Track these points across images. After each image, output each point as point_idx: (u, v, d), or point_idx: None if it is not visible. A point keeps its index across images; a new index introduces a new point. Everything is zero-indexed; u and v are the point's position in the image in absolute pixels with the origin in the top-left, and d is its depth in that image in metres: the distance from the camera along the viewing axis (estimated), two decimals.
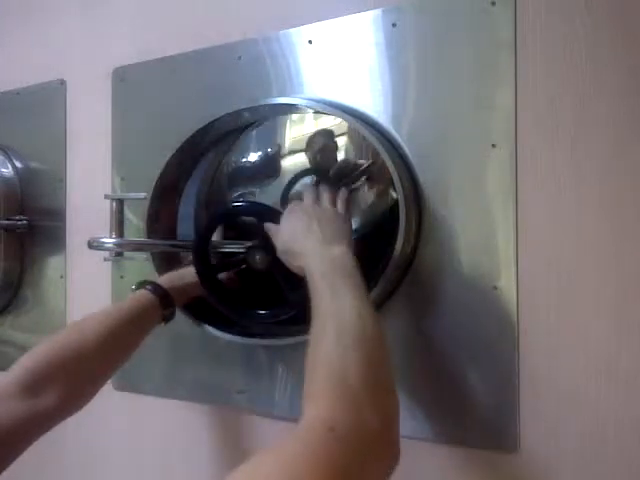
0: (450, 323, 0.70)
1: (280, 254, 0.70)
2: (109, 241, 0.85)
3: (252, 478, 0.42)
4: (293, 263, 0.68)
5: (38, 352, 0.67)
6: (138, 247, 0.92)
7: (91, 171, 1.02)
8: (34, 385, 0.63)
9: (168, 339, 0.89)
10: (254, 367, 0.84)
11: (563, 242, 0.65)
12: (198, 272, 0.79)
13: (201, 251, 0.79)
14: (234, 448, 0.88)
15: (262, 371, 0.84)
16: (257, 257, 0.76)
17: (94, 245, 0.83)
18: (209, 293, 0.80)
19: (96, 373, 0.71)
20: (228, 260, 0.85)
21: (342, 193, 0.74)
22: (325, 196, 0.73)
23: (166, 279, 0.81)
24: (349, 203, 0.75)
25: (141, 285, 0.79)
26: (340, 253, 0.63)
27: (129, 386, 0.96)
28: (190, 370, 0.90)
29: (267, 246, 0.73)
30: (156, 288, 0.78)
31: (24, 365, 0.65)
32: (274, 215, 0.73)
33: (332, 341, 0.53)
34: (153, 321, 0.77)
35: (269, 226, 0.74)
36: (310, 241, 0.66)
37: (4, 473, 0.60)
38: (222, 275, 0.83)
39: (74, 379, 0.67)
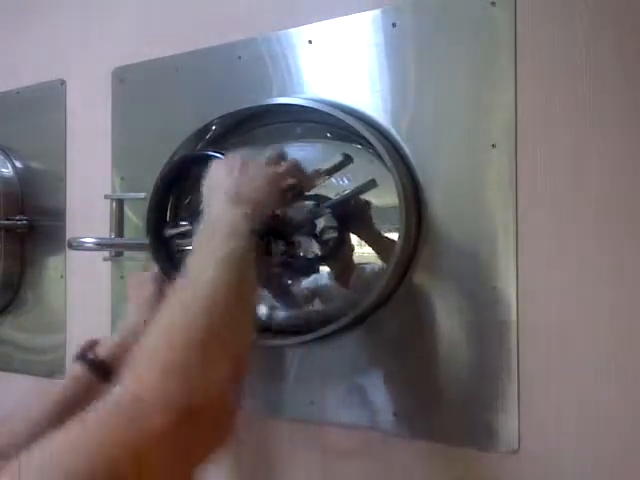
0: (450, 323, 0.70)
1: None
2: (89, 241, 0.84)
3: (57, 444, 0.41)
4: None
5: None
6: (118, 246, 0.91)
7: (91, 171, 1.02)
8: None
9: None
10: (254, 367, 0.84)
11: (563, 242, 0.65)
12: (149, 221, 0.73)
13: (159, 202, 0.73)
14: (234, 449, 0.88)
15: (262, 371, 0.84)
16: None
17: (74, 245, 0.83)
18: (154, 249, 0.74)
19: None
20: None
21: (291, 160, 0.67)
22: (269, 153, 0.66)
23: (117, 336, 0.73)
24: (293, 169, 0.67)
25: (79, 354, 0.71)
26: (235, 217, 0.57)
27: None
28: None
29: None
30: (92, 361, 0.70)
31: None
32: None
33: (168, 312, 0.50)
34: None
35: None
36: (215, 198, 0.61)
37: None
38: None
39: None
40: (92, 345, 0.73)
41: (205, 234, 0.58)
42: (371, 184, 0.73)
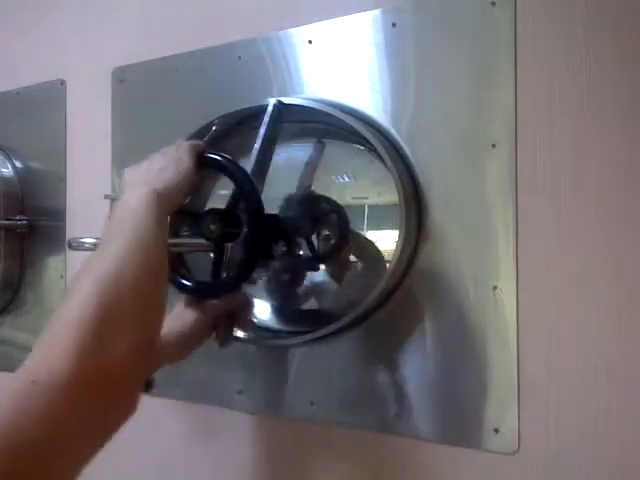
0: (450, 323, 0.70)
1: None
2: (89, 241, 0.84)
3: None
4: None
5: None
6: None
7: (91, 171, 1.02)
8: None
9: None
10: (254, 367, 0.84)
11: (563, 242, 0.65)
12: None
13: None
14: (235, 449, 0.88)
15: (263, 371, 0.84)
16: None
17: (74, 245, 0.82)
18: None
19: None
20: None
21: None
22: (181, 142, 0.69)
23: None
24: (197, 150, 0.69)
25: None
26: (137, 195, 0.59)
27: None
28: (189, 370, 0.90)
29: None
30: None
31: None
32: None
33: (75, 292, 0.49)
34: None
35: None
36: (131, 188, 0.62)
37: None
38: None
39: None
40: None
41: (118, 214, 0.58)
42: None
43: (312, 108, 0.77)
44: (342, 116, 0.74)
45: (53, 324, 0.48)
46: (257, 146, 0.75)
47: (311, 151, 0.80)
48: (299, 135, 0.83)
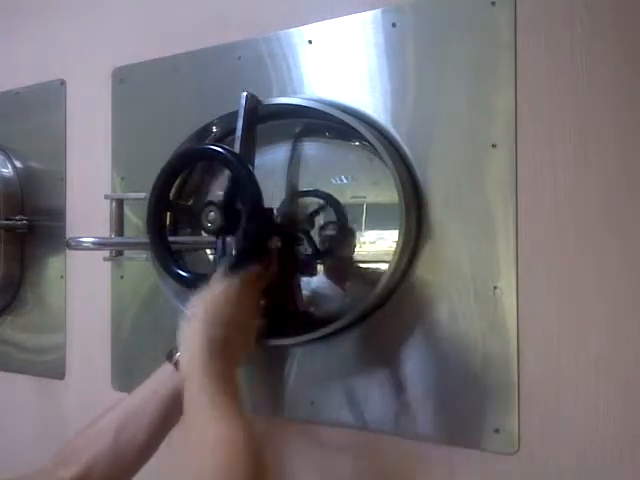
0: (450, 323, 0.70)
1: None
2: (88, 241, 0.84)
3: None
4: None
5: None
6: (116, 245, 0.91)
7: (91, 171, 1.02)
8: (60, 461, 0.70)
9: (167, 338, 0.89)
10: (254, 367, 0.84)
11: (563, 242, 0.65)
12: (149, 215, 0.74)
13: (159, 197, 0.74)
14: None
15: (263, 371, 0.84)
16: (211, 214, 0.71)
17: (73, 245, 0.83)
18: (153, 245, 0.74)
19: (110, 454, 0.71)
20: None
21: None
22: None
23: None
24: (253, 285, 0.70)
25: (170, 354, 0.74)
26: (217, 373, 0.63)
27: (129, 386, 0.95)
28: None
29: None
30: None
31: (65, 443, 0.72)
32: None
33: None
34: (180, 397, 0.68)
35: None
36: (194, 355, 0.65)
37: None
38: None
39: (90, 458, 0.70)
40: None
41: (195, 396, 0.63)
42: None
43: (312, 108, 0.77)
44: (342, 116, 0.74)
45: None
46: (238, 134, 0.75)
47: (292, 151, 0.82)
48: (300, 134, 0.83)
